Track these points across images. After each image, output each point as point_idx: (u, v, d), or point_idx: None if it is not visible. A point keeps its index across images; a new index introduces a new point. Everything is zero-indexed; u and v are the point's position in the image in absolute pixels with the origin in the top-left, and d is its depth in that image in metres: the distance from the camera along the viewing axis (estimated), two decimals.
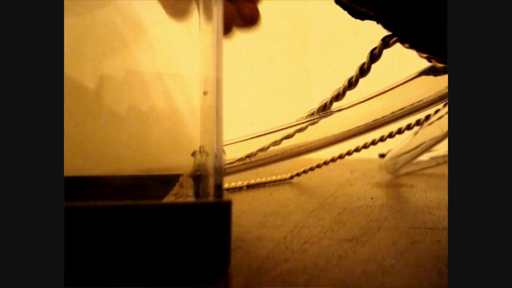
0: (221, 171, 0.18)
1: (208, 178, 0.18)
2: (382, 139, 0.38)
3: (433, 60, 0.22)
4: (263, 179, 0.39)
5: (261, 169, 0.46)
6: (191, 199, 0.23)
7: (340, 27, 0.74)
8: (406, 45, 0.21)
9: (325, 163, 0.40)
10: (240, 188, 0.37)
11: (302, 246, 0.20)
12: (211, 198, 0.18)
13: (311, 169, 0.41)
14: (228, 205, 0.17)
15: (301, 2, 0.79)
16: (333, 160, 0.40)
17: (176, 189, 0.24)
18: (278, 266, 0.18)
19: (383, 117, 0.26)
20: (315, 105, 0.27)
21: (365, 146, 0.39)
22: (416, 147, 0.37)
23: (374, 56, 0.24)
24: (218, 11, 0.17)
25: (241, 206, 0.30)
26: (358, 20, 0.25)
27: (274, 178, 0.40)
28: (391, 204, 0.30)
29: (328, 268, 0.17)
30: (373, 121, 0.25)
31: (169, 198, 0.24)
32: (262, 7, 0.26)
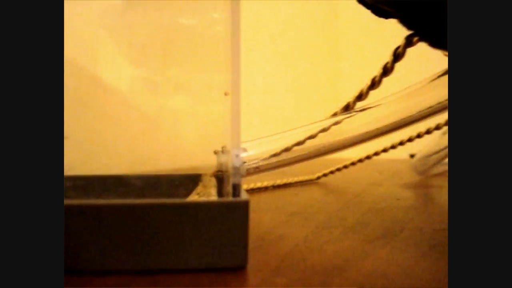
0: (239, 171, 0.18)
1: (228, 177, 0.19)
2: (410, 139, 0.38)
3: None
4: (289, 180, 0.39)
5: (287, 170, 0.46)
6: (213, 198, 0.23)
7: (369, 26, 0.74)
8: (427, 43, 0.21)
9: (353, 163, 0.40)
10: (266, 188, 0.37)
11: (321, 246, 0.20)
12: (229, 198, 0.18)
13: (338, 169, 0.41)
14: (245, 204, 0.17)
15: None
16: (360, 160, 0.39)
17: (199, 188, 0.25)
18: (296, 265, 0.18)
19: (408, 116, 0.25)
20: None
21: (393, 147, 0.39)
22: (445, 147, 0.36)
23: (398, 55, 0.24)
24: (235, 11, 0.17)
25: (265, 205, 0.30)
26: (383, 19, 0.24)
27: (300, 178, 0.40)
28: (417, 205, 0.29)
29: (346, 269, 0.17)
30: (398, 120, 0.25)
31: (192, 197, 0.24)
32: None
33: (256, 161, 0.26)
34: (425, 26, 0.18)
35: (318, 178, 0.42)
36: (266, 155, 0.26)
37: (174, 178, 0.27)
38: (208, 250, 0.17)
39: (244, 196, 0.18)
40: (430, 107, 0.24)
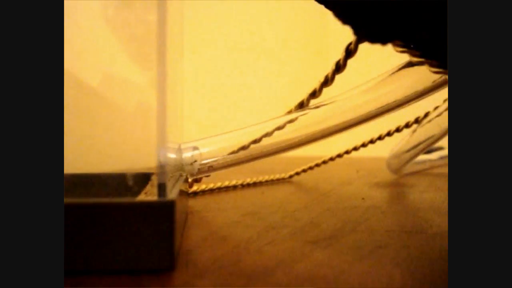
0: (164, 170, 0.17)
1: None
2: (389, 133, 0.37)
3: (409, 54, 0.21)
4: (260, 178, 0.39)
5: (261, 168, 0.45)
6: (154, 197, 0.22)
7: None
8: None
9: (324, 162, 0.39)
10: (234, 187, 0.36)
11: (261, 248, 0.20)
12: (153, 198, 0.17)
13: (311, 168, 0.40)
14: (170, 205, 0.16)
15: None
16: (332, 159, 0.39)
17: (148, 187, 0.24)
18: (225, 268, 0.17)
19: (366, 112, 0.25)
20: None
21: (372, 141, 0.38)
22: (416, 146, 0.36)
23: (350, 51, 0.23)
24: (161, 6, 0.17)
25: (224, 205, 0.29)
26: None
27: (272, 177, 0.40)
28: (380, 205, 0.29)
29: (274, 272, 0.17)
30: (355, 116, 0.24)
31: (140, 197, 0.24)
32: None
33: (209, 159, 0.26)
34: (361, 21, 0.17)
35: (291, 176, 0.41)
36: (221, 153, 0.26)
37: (128, 177, 0.26)
38: (132, 252, 0.16)
39: (171, 196, 0.17)
40: (387, 102, 0.24)
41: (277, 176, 0.40)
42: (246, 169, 0.33)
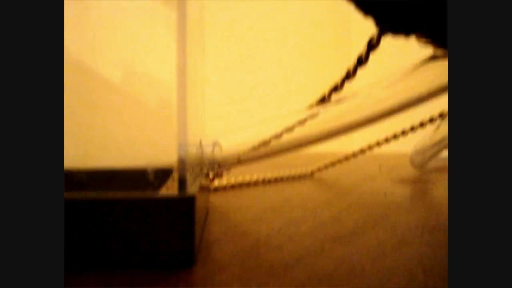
0: (184, 165, 0.17)
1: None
2: (412, 129, 0.36)
3: (432, 47, 0.20)
4: (281, 174, 0.39)
5: (282, 163, 0.45)
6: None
7: None
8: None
9: (346, 158, 0.39)
10: (255, 183, 0.36)
11: (281, 244, 0.20)
12: (173, 193, 0.17)
13: (333, 164, 0.40)
14: (190, 200, 0.16)
15: None
16: (354, 155, 0.38)
17: (169, 182, 0.24)
18: (245, 263, 0.17)
19: (389, 106, 0.24)
20: None
21: (395, 137, 0.37)
22: (440, 141, 0.35)
23: (372, 45, 0.23)
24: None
25: (245, 200, 0.29)
26: None
27: (293, 173, 0.39)
28: (402, 202, 0.28)
29: (293, 268, 0.17)
30: (378, 111, 0.24)
31: (162, 190, 0.24)
32: None
33: (230, 154, 0.26)
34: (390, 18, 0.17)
35: (312, 172, 0.41)
36: (242, 148, 0.26)
37: (149, 171, 0.27)
38: (152, 247, 0.16)
39: (191, 191, 0.17)
40: (410, 96, 0.23)
41: (299, 172, 0.40)
42: (267, 164, 0.33)
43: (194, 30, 0.20)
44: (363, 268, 0.17)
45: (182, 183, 0.17)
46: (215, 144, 0.25)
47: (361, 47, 0.24)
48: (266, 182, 0.37)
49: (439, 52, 0.19)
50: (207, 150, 0.25)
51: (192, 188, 0.18)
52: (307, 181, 0.38)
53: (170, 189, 0.24)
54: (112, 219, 0.16)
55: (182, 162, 0.17)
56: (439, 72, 0.23)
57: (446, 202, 0.28)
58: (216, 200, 0.29)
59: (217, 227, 0.22)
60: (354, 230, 0.22)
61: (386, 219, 0.24)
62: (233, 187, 0.34)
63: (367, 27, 0.22)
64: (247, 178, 0.36)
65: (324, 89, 0.25)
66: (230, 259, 0.18)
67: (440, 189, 0.33)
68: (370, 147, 0.37)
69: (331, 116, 0.24)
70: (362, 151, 0.38)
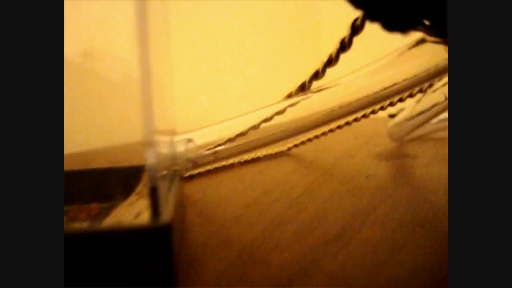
0: (154, 172, 0.15)
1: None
2: (391, 104, 0.35)
3: (424, 33, 0.19)
4: (258, 154, 0.37)
5: None
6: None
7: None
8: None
9: (324, 134, 0.38)
10: (232, 166, 0.35)
11: (268, 256, 0.18)
12: (143, 220, 0.16)
13: (309, 140, 0.39)
14: (164, 230, 0.15)
15: None
16: (331, 130, 0.37)
17: (140, 187, 0.22)
18: (232, 285, 0.16)
19: (372, 94, 0.23)
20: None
21: (373, 112, 0.36)
22: (419, 114, 0.34)
23: (356, 28, 0.21)
24: None
25: (222, 191, 0.28)
26: None
27: (270, 151, 0.38)
28: (386, 186, 0.27)
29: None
30: (360, 100, 0.22)
31: (132, 198, 0.22)
32: None
33: (206, 151, 0.24)
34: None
35: (289, 149, 0.39)
36: (218, 143, 0.24)
37: (116, 172, 0.25)
38: (128, 279, 0.15)
39: (165, 216, 0.15)
40: (394, 84, 0.22)
41: (275, 149, 0.38)
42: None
43: (156, 20, 0.18)
44: (360, 286, 0.15)
45: (155, 206, 0.15)
46: (188, 141, 0.23)
47: (331, 34, 0.22)
48: (242, 163, 0.35)
49: (431, 38, 0.17)
50: (180, 148, 0.23)
51: (167, 206, 0.17)
52: (284, 160, 0.36)
53: (141, 195, 0.22)
54: (81, 252, 0.14)
55: (151, 169, 0.15)
56: (429, 56, 0.21)
57: (431, 184, 0.27)
58: (192, 191, 0.27)
59: (196, 234, 0.21)
60: (343, 230, 0.20)
61: (373, 213, 0.23)
62: (209, 172, 0.33)
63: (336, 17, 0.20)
64: (223, 161, 0.34)
65: (304, 76, 0.23)
66: (215, 280, 0.16)
67: (422, 166, 0.32)
68: (348, 123, 0.36)
69: (311, 106, 0.23)
70: (339, 127, 0.37)
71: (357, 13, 0.21)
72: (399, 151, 0.37)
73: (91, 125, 0.43)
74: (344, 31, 0.21)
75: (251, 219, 0.23)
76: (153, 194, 0.15)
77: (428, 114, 0.34)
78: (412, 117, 0.35)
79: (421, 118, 0.35)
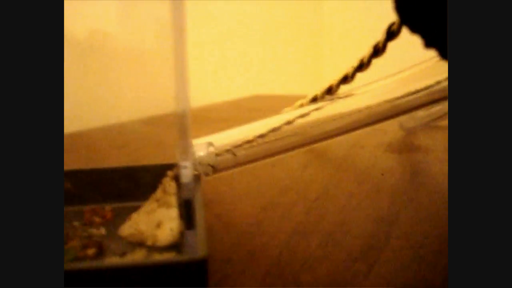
0: (189, 188, 0.15)
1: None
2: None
3: None
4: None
5: None
6: (172, 212, 0.20)
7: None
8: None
9: None
10: None
11: (297, 275, 0.18)
12: (178, 254, 0.15)
13: None
14: (202, 264, 0.14)
15: None
16: None
17: (159, 193, 0.22)
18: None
19: (401, 103, 0.22)
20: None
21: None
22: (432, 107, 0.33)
23: (392, 33, 0.20)
24: None
25: (236, 187, 0.27)
26: None
27: None
28: (404, 188, 0.27)
29: None
30: (387, 109, 0.21)
31: (150, 205, 0.21)
32: None
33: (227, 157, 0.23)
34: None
35: None
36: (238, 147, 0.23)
37: (135, 170, 0.24)
38: None
39: (200, 247, 0.15)
40: (422, 95, 0.21)
41: None
42: None
43: None
44: None
45: (189, 214, 0.14)
46: (209, 144, 0.22)
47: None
48: None
49: None
50: (201, 152, 0.22)
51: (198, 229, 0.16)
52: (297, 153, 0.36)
53: (161, 202, 0.21)
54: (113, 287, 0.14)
55: (188, 185, 0.14)
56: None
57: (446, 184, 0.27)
58: (206, 188, 0.27)
59: (220, 244, 0.20)
60: (369, 243, 0.20)
61: (396, 222, 0.22)
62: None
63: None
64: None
65: (332, 80, 0.22)
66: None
67: (436, 162, 0.31)
68: None
69: (336, 112, 0.22)
70: None
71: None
72: (410, 142, 0.37)
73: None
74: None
75: (272, 226, 0.22)
76: (187, 208, 0.14)
77: (441, 107, 0.33)
78: (426, 112, 0.34)
79: (433, 110, 0.34)
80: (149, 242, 0.20)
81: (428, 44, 0.14)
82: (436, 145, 0.35)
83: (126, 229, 0.20)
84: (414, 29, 0.14)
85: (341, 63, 0.24)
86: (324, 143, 0.38)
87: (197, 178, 0.22)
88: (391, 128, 0.41)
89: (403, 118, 0.38)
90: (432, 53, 0.21)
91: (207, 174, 0.22)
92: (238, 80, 0.69)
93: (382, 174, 0.29)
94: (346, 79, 0.22)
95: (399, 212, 0.23)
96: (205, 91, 0.62)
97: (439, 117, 0.43)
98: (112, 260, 0.16)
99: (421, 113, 0.36)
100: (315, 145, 0.38)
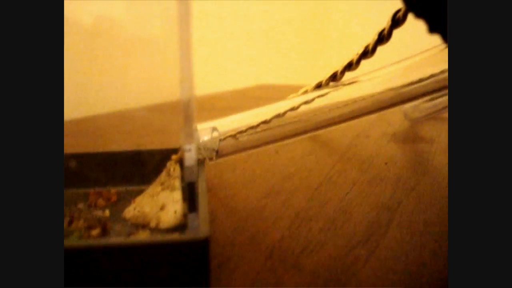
0: (192, 171, 0.15)
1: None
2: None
3: None
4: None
5: None
6: (176, 195, 0.20)
7: None
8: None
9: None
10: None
11: (298, 259, 0.18)
12: (180, 234, 0.15)
13: None
14: (203, 244, 0.14)
15: None
16: None
17: (163, 176, 0.22)
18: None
19: (405, 91, 0.22)
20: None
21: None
22: (438, 97, 0.33)
23: (397, 20, 0.20)
24: None
25: (240, 174, 0.27)
26: None
27: None
28: (407, 176, 0.27)
29: None
30: (391, 97, 0.21)
31: (154, 188, 0.22)
32: None
33: (230, 141, 0.23)
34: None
35: None
36: (242, 131, 0.23)
37: (140, 154, 0.24)
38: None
39: (202, 228, 0.15)
40: (428, 84, 0.21)
41: None
42: None
43: None
44: None
45: (192, 196, 0.15)
46: (213, 129, 0.22)
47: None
48: None
49: None
50: (205, 137, 0.22)
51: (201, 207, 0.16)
52: (301, 141, 0.36)
53: (165, 185, 0.21)
54: (117, 265, 0.14)
55: (189, 169, 0.15)
56: None
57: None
58: (209, 172, 0.27)
59: (223, 227, 0.21)
60: (370, 229, 0.20)
61: (398, 210, 0.22)
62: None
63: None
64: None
65: (337, 66, 0.22)
66: (247, 285, 0.16)
67: (440, 153, 0.31)
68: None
69: (341, 99, 0.22)
70: None
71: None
72: (414, 133, 0.37)
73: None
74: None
75: (275, 211, 0.22)
76: (191, 190, 0.15)
77: (446, 98, 0.33)
78: (431, 102, 0.34)
79: (438, 102, 0.34)
80: (153, 224, 0.20)
81: (432, 29, 0.14)
82: (440, 136, 0.35)
83: (130, 211, 0.21)
84: (418, 14, 0.14)
85: (347, 53, 0.24)
86: (329, 132, 0.38)
87: (201, 162, 0.22)
88: (396, 119, 0.41)
89: (408, 109, 0.38)
90: (437, 41, 0.21)
91: (211, 159, 0.23)
92: (244, 69, 0.69)
93: (386, 163, 0.29)
94: (350, 66, 0.22)
95: (401, 200, 0.23)
96: (210, 80, 0.62)
97: (444, 108, 0.43)
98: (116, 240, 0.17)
99: (426, 104, 0.36)
100: (320, 134, 0.38)
